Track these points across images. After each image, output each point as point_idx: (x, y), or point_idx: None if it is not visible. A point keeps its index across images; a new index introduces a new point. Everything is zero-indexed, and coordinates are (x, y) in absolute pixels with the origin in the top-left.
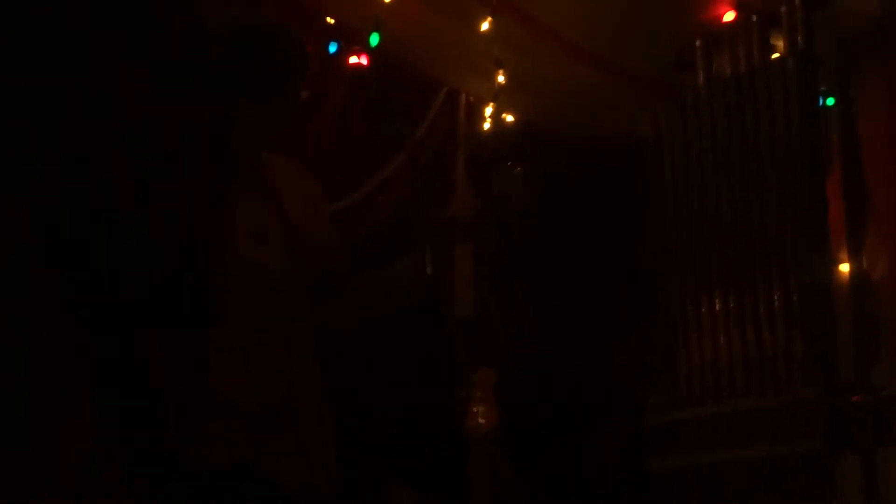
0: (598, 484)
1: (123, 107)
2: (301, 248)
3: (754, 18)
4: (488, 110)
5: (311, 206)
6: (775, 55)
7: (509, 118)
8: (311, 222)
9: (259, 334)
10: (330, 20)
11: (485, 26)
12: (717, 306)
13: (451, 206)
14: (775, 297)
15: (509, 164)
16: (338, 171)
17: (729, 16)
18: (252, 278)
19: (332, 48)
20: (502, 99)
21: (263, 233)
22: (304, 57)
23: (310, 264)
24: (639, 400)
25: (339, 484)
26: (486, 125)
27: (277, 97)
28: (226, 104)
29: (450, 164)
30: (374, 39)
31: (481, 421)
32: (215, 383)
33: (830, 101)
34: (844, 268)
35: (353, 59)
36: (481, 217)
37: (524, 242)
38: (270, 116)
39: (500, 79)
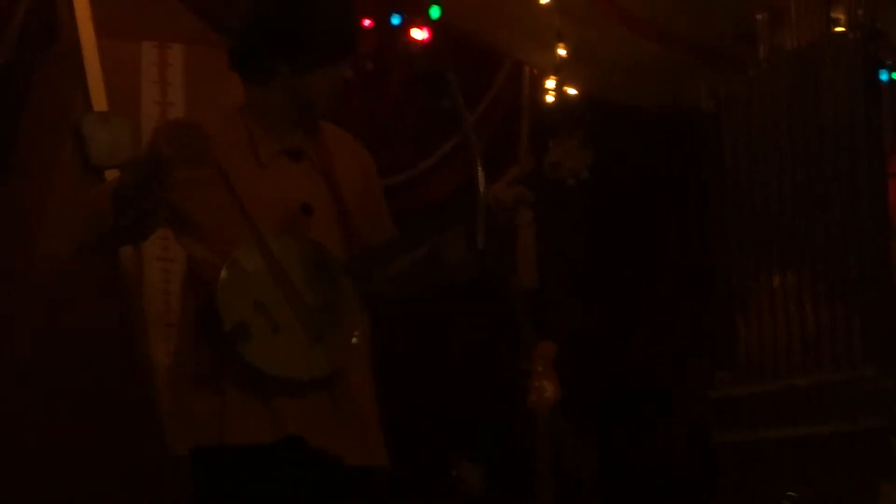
0: (662, 458)
1: None
2: (349, 221)
3: None
4: (550, 83)
5: (362, 178)
6: (838, 28)
7: (571, 91)
8: (360, 194)
9: (305, 308)
10: None
11: None
12: (778, 282)
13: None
14: (835, 274)
15: (565, 134)
16: (400, 143)
17: None
18: (297, 249)
19: (395, 21)
20: (564, 71)
21: (310, 204)
22: (355, 25)
23: (357, 238)
24: (703, 374)
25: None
26: (549, 97)
27: (327, 66)
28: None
29: (513, 137)
30: (435, 12)
31: (543, 395)
32: (258, 359)
33: None
34: None
35: (415, 32)
36: (539, 187)
37: (585, 215)
38: (322, 85)
39: (562, 51)
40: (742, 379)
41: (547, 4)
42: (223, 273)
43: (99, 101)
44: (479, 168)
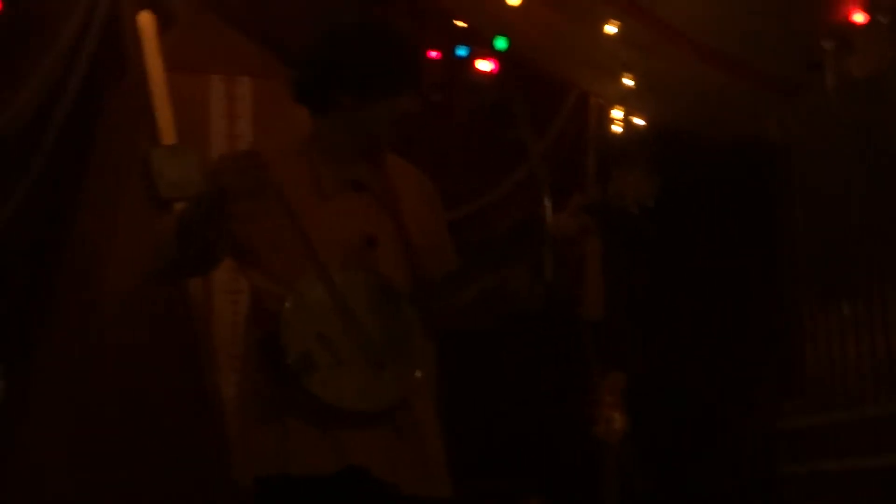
0: (730, 488)
1: None
2: (413, 252)
3: (883, 20)
4: (617, 113)
5: (426, 208)
6: None
7: (638, 121)
8: (424, 225)
9: (369, 339)
10: (460, 24)
11: (611, 28)
12: (847, 310)
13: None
14: None
15: (629, 163)
16: (467, 174)
17: (859, 17)
18: (361, 281)
19: (462, 52)
20: (631, 102)
21: (373, 236)
22: (417, 57)
23: (421, 269)
24: (770, 404)
25: (453, 490)
26: (615, 128)
27: (389, 98)
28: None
29: (580, 168)
30: (501, 43)
31: (611, 426)
32: (322, 390)
33: None
34: None
35: (481, 63)
36: (605, 217)
37: (651, 245)
38: (384, 117)
39: (628, 82)
40: (809, 409)
41: (613, 35)
42: (287, 305)
43: (167, 134)
44: (546, 198)
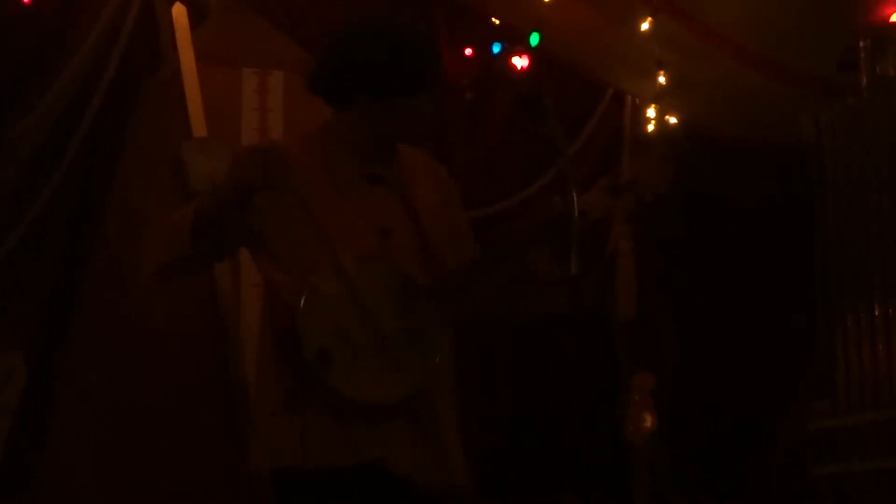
0: (761, 489)
1: None
2: (427, 243)
3: None
4: (651, 112)
5: (442, 200)
6: None
7: (672, 119)
8: (440, 217)
9: (385, 332)
10: (495, 21)
11: (645, 26)
12: (877, 312)
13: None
14: None
15: (642, 149)
16: (503, 171)
17: (895, 16)
18: (376, 273)
19: (496, 49)
20: (665, 100)
21: (389, 228)
22: (433, 59)
23: (437, 260)
24: (801, 405)
25: (475, 484)
26: (650, 127)
27: (407, 97)
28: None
29: (615, 166)
30: (535, 39)
31: (641, 426)
32: (340, 383)
33: None
34: None
35: (515, 60)
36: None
37: (684, 245)
38: (401, 116)
39: (662, 80)
40: (841, 410)
41: (646, 32)
42: (303, 299)
43: (199, 127)
44: (574, 196)
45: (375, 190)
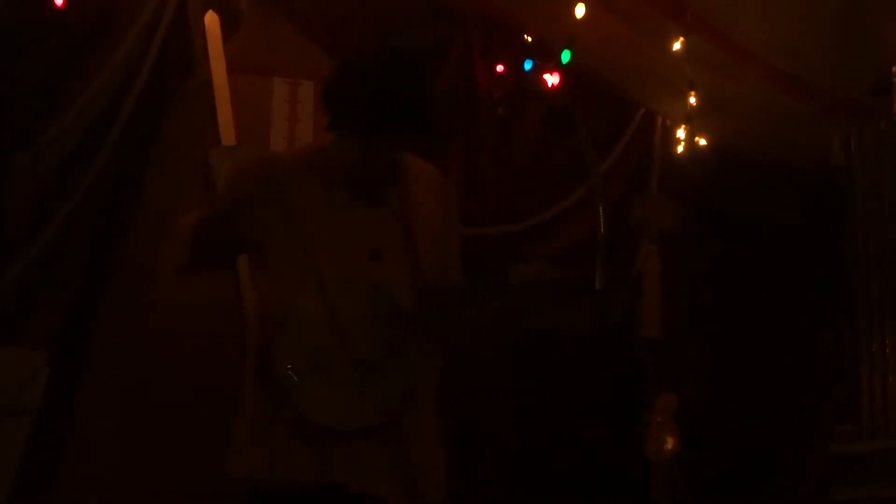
0: None
1: None
2: (419, 266)
3: None
4: (681, 132)
5: (441, 217)
6: None
7: (702, 141)
8: (436, 235)
9: (360, 358)
10: (527, 38)
11: (677, 46)
12: None
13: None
14: None
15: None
16: (533, 188)
17: None
18: (359, 297)
19: (527, 66)
20: (695, 121)
21: (379, 250)
22: (423, 101)
23: (425, 283)
24: (825, 428)
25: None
26: (680, 147)
27: (394, 139)
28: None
29: (645, 187)
30: (566, 56)
31: (662, 447)
32: (305, 406)
33: None
34: None
35: (546, 77)
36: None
37: (712, 265)
38: (388, 154)
39: (693, 100)
40: (865, 435)
41: (679, 52)
42: (282, 318)
43: (228, 135)
44: (603, 214)
45: (372, 211)
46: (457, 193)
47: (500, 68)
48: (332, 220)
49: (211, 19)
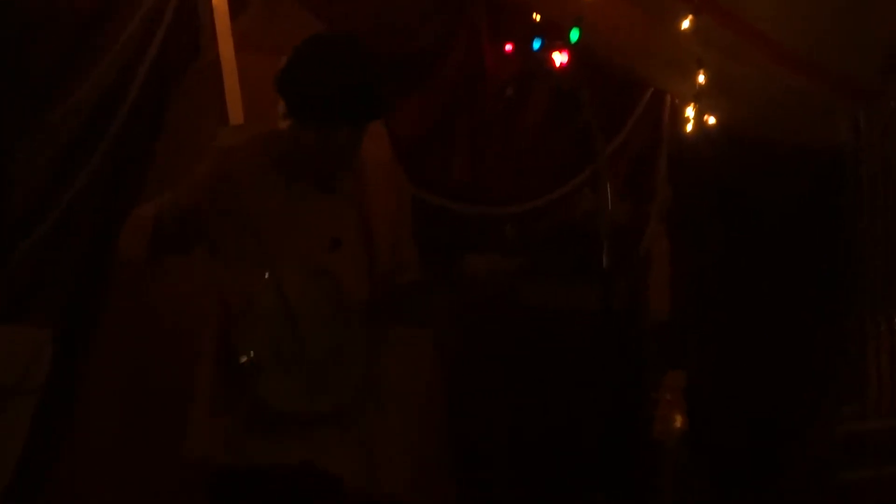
0: (790, 493)
1: None
2: (376, 258)
3: None
4: (689, 111)
5: (395, 201)
6: None
7: (711, 120)
8: (390, 219)
9: (315, 346)
10: (536, 17)
11: (686, 24)
12: None
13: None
14: None
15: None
16: (542, 168)
17: None
18: (314, 287)
19: (536, 45)
20: (704, 100)
21: (338, 238)
22: (377, 90)
23: (380, 275)
24: (830, 408)
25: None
26: (688, 126)
27: (349, 126)
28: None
29: (654, 165)
30: (574, 35)
31: (670, 425)
32: (267, 393)
33: None
34: None
35: (555, 56)
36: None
37: (719, 247)
38: (345, 142)
39: (701, 79)
40: (871, 414)
41: (688, 30)
42: (242, 308)
43: (236, 114)
44: (608, 194)
45: (328, 199)
46: (404, 173)
47: (508, 48)
48: (290, 210)
49: None
